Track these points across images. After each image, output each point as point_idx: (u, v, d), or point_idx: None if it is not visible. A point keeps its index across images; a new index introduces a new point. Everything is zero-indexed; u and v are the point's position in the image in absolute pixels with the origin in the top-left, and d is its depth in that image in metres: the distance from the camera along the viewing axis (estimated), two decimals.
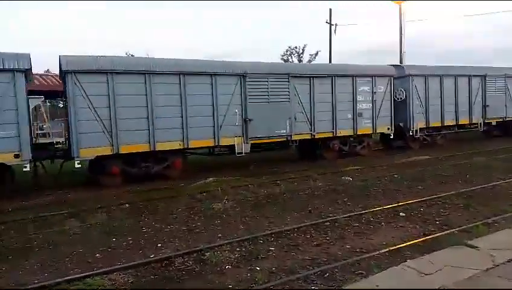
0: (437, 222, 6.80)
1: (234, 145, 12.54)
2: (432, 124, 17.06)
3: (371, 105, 15.19)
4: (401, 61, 28.54)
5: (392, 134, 15.98)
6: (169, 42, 63.46)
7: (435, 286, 3.92)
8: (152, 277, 5.03)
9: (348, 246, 5.82)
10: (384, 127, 15.76)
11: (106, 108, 10.78)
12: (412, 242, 5.77)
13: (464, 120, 18.02)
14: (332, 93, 14.35)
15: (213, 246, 5.91)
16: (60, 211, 8.50)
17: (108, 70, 10.76)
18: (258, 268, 5.14)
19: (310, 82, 13.89)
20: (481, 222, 6.53)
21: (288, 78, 13.41)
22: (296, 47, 38.48)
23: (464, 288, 3.46)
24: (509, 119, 19.56)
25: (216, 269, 5.16)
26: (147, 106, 11.27)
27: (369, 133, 15.52)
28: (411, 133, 16.46)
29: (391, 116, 15.78)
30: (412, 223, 6.83)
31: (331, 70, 14.66)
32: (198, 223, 7.32)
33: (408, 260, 4.81)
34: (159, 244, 6.24)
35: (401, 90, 16.44)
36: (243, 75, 12.62)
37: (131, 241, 6.45)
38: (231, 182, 11.06)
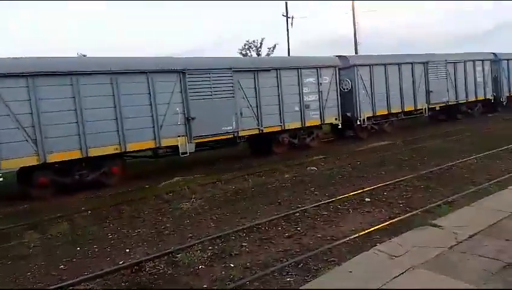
0: (401, 205, 7.06)
1: (178, 145, 12.00)
2: (378, 112, 17.22)
3: (318, 96, 15.13)
4: (356, 52, 29.43)
5: (340, 124, 15.83)
6: (124, 41, 61.24)
7: (406, 267, 4.05)
8: (123, 283, 4.85)
9: (319, 235, 5.90)
10: (332, 117, 15.57)
11: (28, 114, 9.86)
12: (379, 226, 5.96)
13: (409, 107, 18.26)
14: (278, 86, 14.06)
15: (184, 247, 5.79)
16: (17, 224, 7.99)
17: (28, 73, 9.82)
18: (232, 265, 5.09)
19: (255, 76, 13.57)
20: (442, 201, 6.85)
21: (231, 73, 13.06)
22: (254, 41, 38.39)
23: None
24: (452, 103, 20.22)
25: (189, 270, 5.06)
26: (75, 110, 10.42)
27: (317, 124, 15.48)
28: (359, 123, 16.49)
29: (338, 107, 15.64)
30: (377, 207, 7.05)
31: (275, 63, 14.36)
32: (167, 225, 7.14)
33: (378, 244, 4.95)
34: (127, 250, 6.03)
35: (346, 80, 16.40)
36: (182, 71, 11.94)
37: (97, 249, 6.17)
38: (198, 180, 10.90)
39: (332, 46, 54.21)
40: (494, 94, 22.24)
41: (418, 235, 4.98)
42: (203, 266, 5.14)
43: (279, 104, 14.16)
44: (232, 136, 13.20)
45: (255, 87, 13.60)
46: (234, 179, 10.64)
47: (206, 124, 12.42)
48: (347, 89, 16.56)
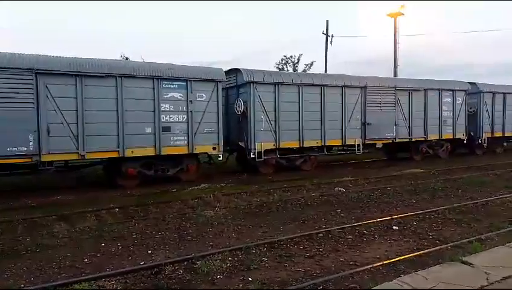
0: (430, 237, 6.77)
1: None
2: (283, 145, 14.01)
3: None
4: (394, 74, 28.90)
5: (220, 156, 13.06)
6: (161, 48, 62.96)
7: None
8: (141, 284, 4.91)
9: (341, 259, 5.75)
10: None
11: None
12: (406, 256, 5.72)
13: (332, 141, 15.24)
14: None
15: (204, 254, 5.80)
16: (48, 214, 8.32)
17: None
18: (250, 279, 5.04)
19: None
20: (474, 238, 6.51)
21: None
22: (291, 56, 38.54)
23: None
24: (402, 140, 17.04)
25: (207, 278, 5.05)
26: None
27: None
28: (253, 155, 13.46)
29: (219, 133, 12.64)
30: (405, 237, 6.79)
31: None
32: (190, 231, 7.21)
33: (402, 275, 4.76)
34: (149, 251, 6.12)
35: (240, 100, 13.71)
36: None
37: (120, 247, 6.31)
38: (224, 189, 10.98)
39: (367, 65, 53.56)
40: (471, 133, 19.62)
41: (446, 271, 4.74)
42: (221, 276, 5.13)
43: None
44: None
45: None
46: (259, 192, 10.62)
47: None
48: (240, 112, 13.68)
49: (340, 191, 10.79)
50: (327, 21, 29.43)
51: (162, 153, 11.68)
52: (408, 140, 17.27)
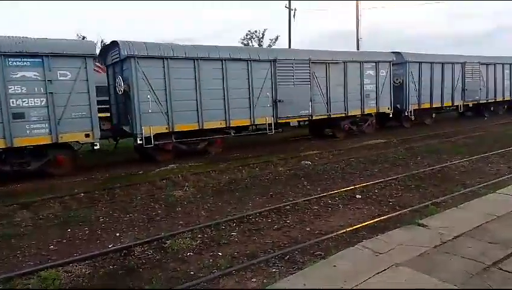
0: (391, 203, 7.14)
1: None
2: (179, 128, 12.45)
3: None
4: (357, 48, 29.32)
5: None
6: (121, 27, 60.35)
7: (389, 264, 4.13)
8: (110, 267, 4.91)
9: (307, 229, 5.98)
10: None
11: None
12: (368, 223, 6.03)
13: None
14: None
15: (174, 233, 5.85)
16: (9, 203, 8.03)
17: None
18: (220, 254, 5.16)
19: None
20: (431, 202, 6.93)
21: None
22: (256, 31, 38.18)
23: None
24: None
25: (177, 256, 5.13)
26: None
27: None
28: (140, 141, 11.90)
29: (92, 117, 10.97)
30: (367, 204, 7.12)
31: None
32: (159, 211, 7.21)
33: (364, 240, 5.02)
34: (117, 234, 6.09)
35: (119, 78, 12.34)
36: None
37: (87, 232, 6.24)
38: (192, 169, 10.96)
39: (333, 39, 53.96)
40: (398, 106, 18.66)
41: (404, 234, 5.05)
42: (191, 253, 5.21)
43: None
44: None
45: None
46: (228, 170, 10.70)
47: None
48: None
49: (306, 164, 11.05)
50: None
51: (16, 145, 9.86)
52: (327, 117, 15.83)
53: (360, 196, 7.62)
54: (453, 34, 77.66)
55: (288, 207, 7.04)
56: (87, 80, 10.67)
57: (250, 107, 13.72)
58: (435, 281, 3.78)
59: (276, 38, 37.64)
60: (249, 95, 13.67)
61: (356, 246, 4.76)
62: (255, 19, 71.82)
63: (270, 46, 37.09)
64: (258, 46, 35.40)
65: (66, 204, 7.93)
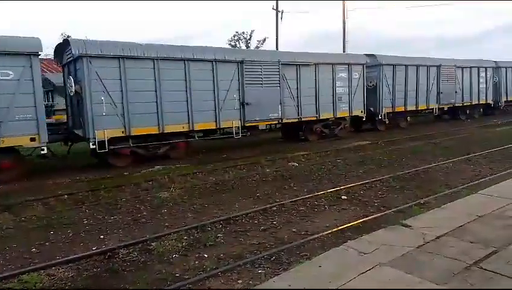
0: (376, 204, 7.22)
1: None
2: (136, 131, 11.79)
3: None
4: (344, 49, 29.60)
5: None
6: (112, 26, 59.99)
7: (373, 264, 4.17)
8: (94, 269, 4.85)
9: (293, 230, 6.00)
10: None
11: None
12: (353, 223, 6.09)
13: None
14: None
15: (160, 235, 5.80)
16: None
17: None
18: (206, 255, 5.14)
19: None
20: (415, 202, 7.03)
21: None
22: (243, 32, 38.18)
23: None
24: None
25: (163, 258, 5.08)
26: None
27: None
28: (93, 146, 11.38)
29: (38, 120, 10.31)
30: (353, 205, 7.19)
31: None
32: (144, 213, 7.14)
33: (349, 241, 5.07)
34: (102, 236, 6.01)
35: (70, 78, 11.92)
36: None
37: (71, 234, 6.14)
38: (179, 170, 10.90)
39: (320, 41, 54.40)
40: (371, 109, 18.49)
41: (388, 234, 5.11)
42: (177, 255, 5.17)
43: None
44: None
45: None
46: (215, 171, 10.67)
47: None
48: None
49: (293, 165, 11.10)
50: None
51: None
52: (297, 120, 15.49)
53: (345, 197, 7.68)
54: (442, 37, 79.06)
55: (275, 208, 7.06)
56: (32, 80, 9.99)
57: (216, 109, 13.19)
58: (418, 280, 3.84)
59: (264, 40, 37.71)
60: (214, 97, 13.15)
61: (341, 246, 4.79)
62: (245, 18, 71.94)
63: (257, 47, 37.15)
64: (245, 48, 35.41)
65: (49, 206, 7.79)
